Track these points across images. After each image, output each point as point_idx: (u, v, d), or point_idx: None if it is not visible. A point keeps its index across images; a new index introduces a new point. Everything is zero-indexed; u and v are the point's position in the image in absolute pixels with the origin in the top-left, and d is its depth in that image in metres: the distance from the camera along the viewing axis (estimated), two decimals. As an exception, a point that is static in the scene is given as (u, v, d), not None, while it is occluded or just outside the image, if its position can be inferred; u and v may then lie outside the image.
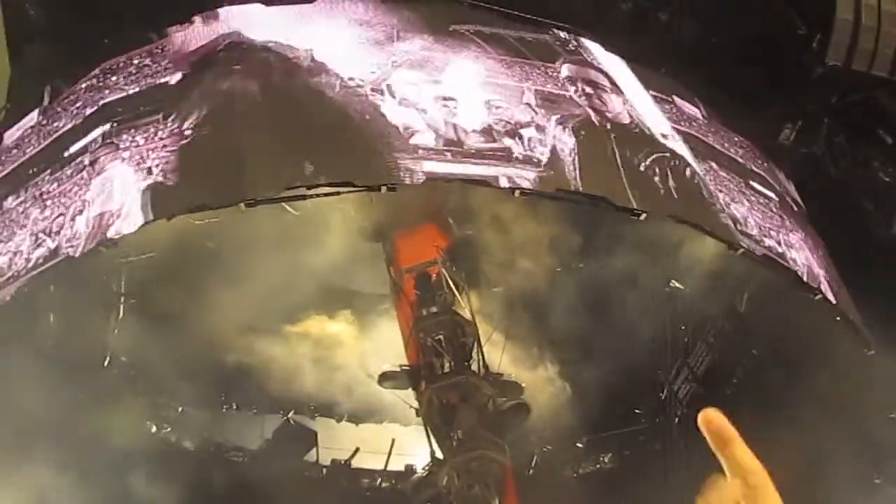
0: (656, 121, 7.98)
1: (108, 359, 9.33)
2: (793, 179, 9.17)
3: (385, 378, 8.43)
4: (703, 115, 8.57)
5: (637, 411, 9.69)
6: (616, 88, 7.96)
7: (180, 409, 9.33)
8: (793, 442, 9.20)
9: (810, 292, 8.02)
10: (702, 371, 9.96)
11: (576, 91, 7.76)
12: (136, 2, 8.29)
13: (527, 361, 9.08)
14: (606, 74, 8.05)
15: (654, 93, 8.25)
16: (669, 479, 9.36)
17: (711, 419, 2.53)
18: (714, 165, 7.97)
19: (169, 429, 9.24)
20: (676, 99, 8.46)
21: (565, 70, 7.96)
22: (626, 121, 7.72)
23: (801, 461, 9.12)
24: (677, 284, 9.49)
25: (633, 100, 8.01)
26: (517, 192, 7.18)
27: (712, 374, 9.87)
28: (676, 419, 9.90)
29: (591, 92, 7.82)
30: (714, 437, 2.55)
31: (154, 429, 9.23)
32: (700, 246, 8.66)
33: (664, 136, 7.83)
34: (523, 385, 8.48)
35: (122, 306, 9.37)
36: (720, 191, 7.80)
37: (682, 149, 7.85)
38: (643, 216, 7.41)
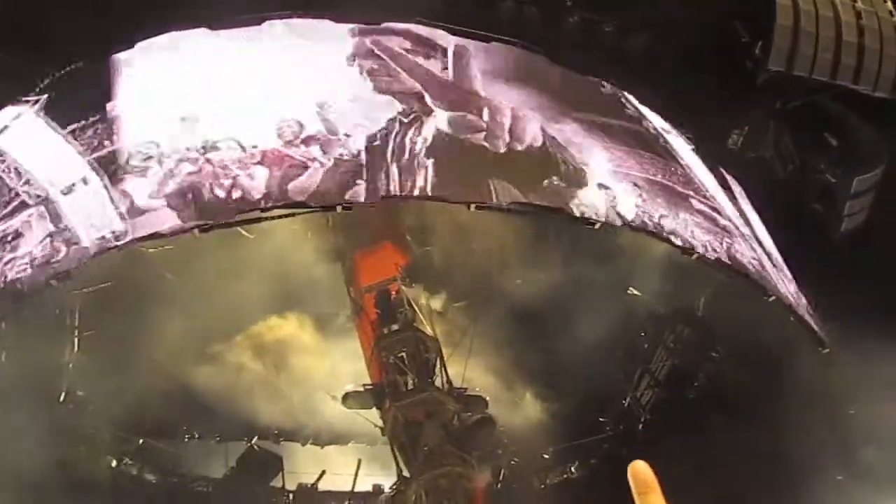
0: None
1: (63, 394, 9.14)
2: (742, 183, 9.34)
3: (349, 398, 8.36)
4: None
5: (601, 419, 9.74)
6: None
7: (141, 440, 9.15)
8: (756, 440, 9.33)
9: (764, 294, 8.17)
10: (663, 376, 10.05)
11: None
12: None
13: (491, 375, 9.08)
14: None
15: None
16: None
17: (638, 471, 2.91)
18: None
19: (130, 461, 9.06)
20: None
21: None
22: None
23: (765, 459, 9.25)
24: (635, 291, 9.59)
25: None
26: (472, 206, 7.22)
27: (674, 379, 9.97)
28: (640, 425, 9.98)
29: None
30: (637, 485, 2.91)
31: (114, 462, 9.04)
32: (656, 252, 8.76)
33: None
34: (488, 398, 8.47)
35: (76, 339, 9.19)
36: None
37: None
38: (597, 225, 7.52)
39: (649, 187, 8.04)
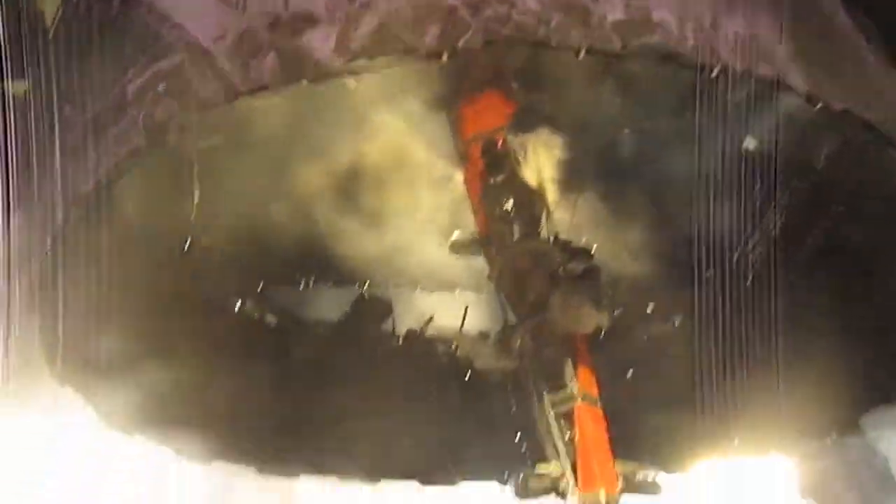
0: None
1: (188, 243, 9.67)
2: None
3: (456, 246, 8.56)
4: None
5: (708, 274, 9.65)
6: None
7: (261, 286, 9.69)
8: (870, 299, 9.14)
9: (891, 147, 7.78)
10: (776, 232, 9.83)
11: None
12: None
13: (597, 226, 9.09)
14: None
15: None
16: (743, 340, 9.42)
17: None
18: None
19: (252, 305, 9.64)
20: None
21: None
22: None
23: (877, 318, 9.09)
24: (751, 143, 9.27)
25: None
26: (581, 54, 7.04)
27: (787, 235, 9.74)
28: (748, 281, 9.86)
29: None
30: None
31: (237, 306, 9.64)
32: (775, 103, 8.41)
33: None
34: (593, 250, 8.51)
35: (196, 191, 9.62)
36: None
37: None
38: (714, 73, 7.24)
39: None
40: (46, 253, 8.68)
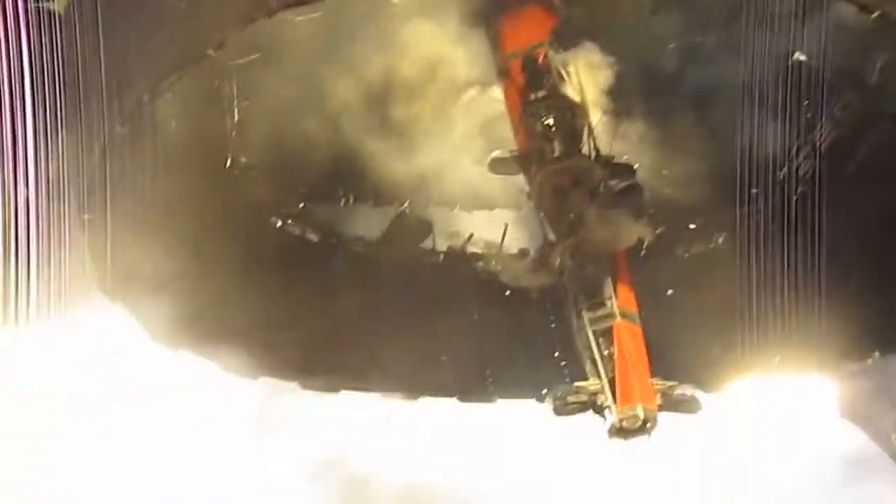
0: None
1: (229, 160, 9.72)
2: None
3: (495, 164, 8.49)
4: None
5: (754, 190, 9.48)
6: None
7: (301, 204, 9.75)
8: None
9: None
10: (825, 148, 9.59)
11: None
12: None
13: (640, 143, 8.95)
14: None
15: None
16: (786, 257, 9.31)
17: None
18: None
19: (292, 223, 9.73)
20: None
21: None
22: None
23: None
24: (801, 55, 8.98)
25: None
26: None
27: (836, 151, 9.51)
28: (795, 197, 9.68)
29: None
30: None
31: (279, 224, 9.73)
32: (827, 12, 8.10)
33: None
34: (635, 167, 8.41)
35: (236, 109, 9.64)
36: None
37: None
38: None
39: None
40: (93, 172, 8.83)
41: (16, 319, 8.76)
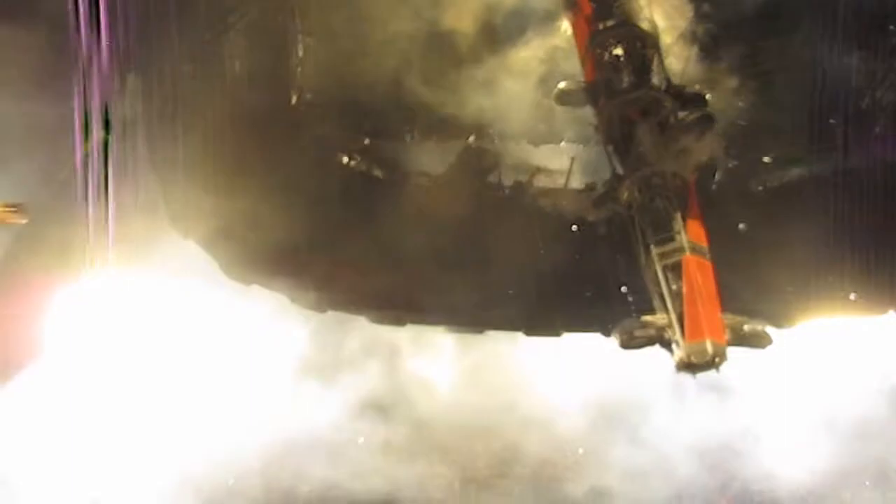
0: None
1: (294, 97, 9.76)
2: None
3: (562, 95, 8.31)
4: None
5: (832, 121, 9.12)
6: None
7: (367, 140, 9.76)
8: None
9: None
10: (911, 76, 9.13)
11: None
12: None
13: (713, 73, 8.65)
14: None
15: None
16: (865, 192, 8.99)
17: None
18: None
19: (359, 159, 9.75)
20: None
21: None
22: None
23: None
24: (886, -22, 8.52)
25: None
26: None
27: (923, 80, 9.05)
28: (876, 129, 9.29)
29: None
30: None
31: (345, 160, 9.77)
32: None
33: None
34: (708, 97, 8.14)
35: (300, 44, 9.64)
36: None
37: None
38: None
39: None
40: (163, 113, 8.98)
41: (94, 260, 9.04)
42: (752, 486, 9.72)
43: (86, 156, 8.76)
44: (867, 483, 9.54)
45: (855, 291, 9.21)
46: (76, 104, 8.62)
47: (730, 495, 9.69)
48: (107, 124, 8.83)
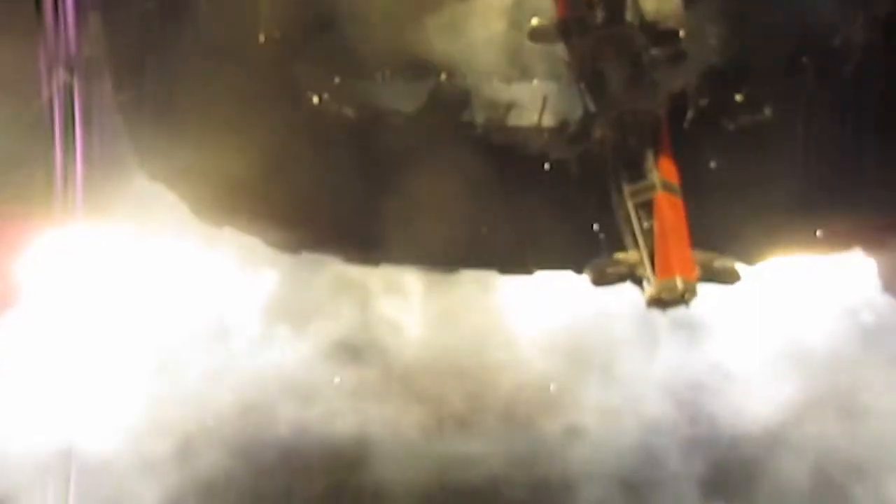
0: None
1: (262, 37, 9.59)
2: None
3: (535, 33, 8.24)
4: None
5: (804, 59, 9.14)
6: None
7: (338, 79, 9.63)
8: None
9: None
10: (884, 13, 9.14)
11: None
12: None
13: (686, 8, 8.59)
14: None
15: None
16: (833, 132, 9.06)
17: None
18: None
19: (329, 98, 9.63)
20: None
21: None
22: None
23: None
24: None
25: None
26: None
27: None
28: (847, 69, 9.31)
29: None
30: None
31: (316, 99, 9.64)
32: None
33: None
34: (681, 33, 8.10)
35: (269, -16, 9.44)
36: None
37: None
38: None
39: None
40: (127, 52, 8.79)
41: (63, 202, 8.93)
42: (721, 420, 9.96)
43: (50, 99, 8.62)
44: (834, 416, 9.82)
45: (821, 229, 9.34)
46: (40, 46, 8.44)
47: (699, 428, 9.93)
48: (70, 66, 8.67)
